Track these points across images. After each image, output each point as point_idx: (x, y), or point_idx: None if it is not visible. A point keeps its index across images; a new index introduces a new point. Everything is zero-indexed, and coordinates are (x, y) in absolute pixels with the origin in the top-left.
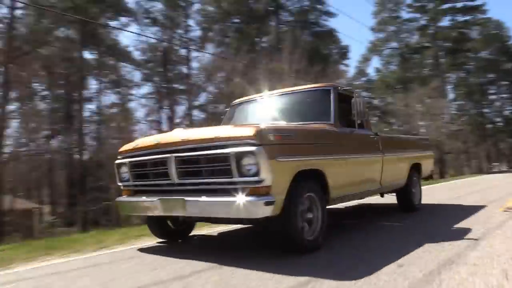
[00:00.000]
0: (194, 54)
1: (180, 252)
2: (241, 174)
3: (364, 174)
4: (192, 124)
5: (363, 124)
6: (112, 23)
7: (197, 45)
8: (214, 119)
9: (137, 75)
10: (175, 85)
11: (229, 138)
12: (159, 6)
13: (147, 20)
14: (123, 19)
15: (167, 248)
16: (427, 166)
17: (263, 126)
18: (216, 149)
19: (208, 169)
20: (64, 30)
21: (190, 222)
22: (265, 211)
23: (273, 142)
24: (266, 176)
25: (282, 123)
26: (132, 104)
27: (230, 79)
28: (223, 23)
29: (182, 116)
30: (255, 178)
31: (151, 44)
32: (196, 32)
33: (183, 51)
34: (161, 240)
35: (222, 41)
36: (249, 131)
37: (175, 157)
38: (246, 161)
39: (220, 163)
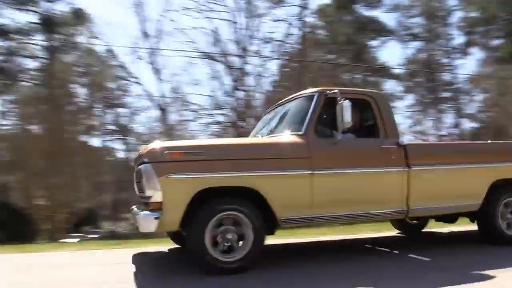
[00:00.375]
0: (458, 62)
1: (152, 262)
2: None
3: (360, 192)
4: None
5: (376, 132)
6: (373, 43)
7: (461, 52)
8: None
9: (399, 88)
10: (440, 95)
11: (143, 155)
12: (418, 21)
13: (407, 36)
14: (383, 38)
15: (160, 256)
16: None
17: (158, 144)
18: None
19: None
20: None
21: None
22: (153, 226)
23: (167, 160)
24: (152, 193)
25: (267, 136)
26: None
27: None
28: (488, 26)
29: (451, 126)
30: (147, 194)
31: (412, 57)
32: (458, 39)
33: (445, 60)
34: (177, 246)
35: (488, 45)
36: (145, 149)
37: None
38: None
39: (140, 178)
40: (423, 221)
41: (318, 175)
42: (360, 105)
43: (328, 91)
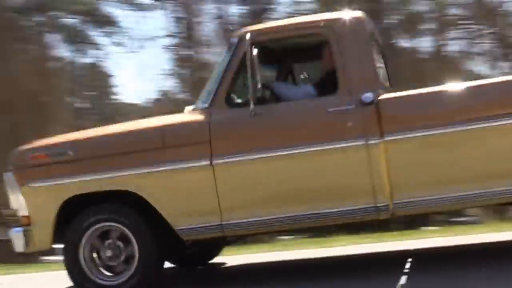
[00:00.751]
0: None
1: None
2: None
3: (294, 184)
4: None
5: (334, 86)
6: None
7: None
8: None
9: None
10: None
11: None
12: None
13: None
14: None
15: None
16: None
17: (23, 146)
18: None
19: None
20: None
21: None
22: (21, 245)
23: (28, 164)
24: (14, 205)
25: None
26: None
27: None
28: None
29: None
30: (12, 207)
31: None
32: None
33: None
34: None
35: None
36: None
37: None
38: None
39: None
40: None
41: (221, 165)
42: (316, 45)
43: (254, 33)
